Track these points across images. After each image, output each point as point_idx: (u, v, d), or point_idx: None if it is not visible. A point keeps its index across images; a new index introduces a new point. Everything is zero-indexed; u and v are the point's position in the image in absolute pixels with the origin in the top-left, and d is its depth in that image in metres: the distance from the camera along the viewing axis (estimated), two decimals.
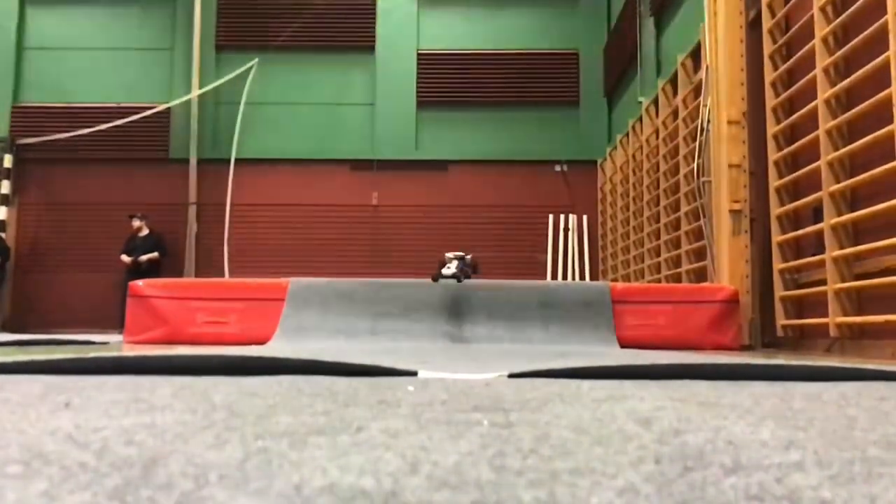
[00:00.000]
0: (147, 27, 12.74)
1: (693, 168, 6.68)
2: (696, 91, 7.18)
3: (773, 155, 5.55)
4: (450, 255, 6.19)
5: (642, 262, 9.21)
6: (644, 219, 9.12)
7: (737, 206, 5.99)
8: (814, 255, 4.98)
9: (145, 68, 12.59)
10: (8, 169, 12.14)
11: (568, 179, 12.30)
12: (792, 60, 5.39)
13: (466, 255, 6.27)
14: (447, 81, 12.47)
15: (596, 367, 2.25)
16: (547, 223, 12.09)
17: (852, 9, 4.54)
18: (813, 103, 4.92)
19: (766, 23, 5.70)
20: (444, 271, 5.97)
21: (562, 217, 12.13)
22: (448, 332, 5.47)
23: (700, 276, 7.04)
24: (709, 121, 6.37)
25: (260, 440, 0.90)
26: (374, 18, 12.65)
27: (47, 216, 12.36)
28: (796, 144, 5.27)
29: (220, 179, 12.08)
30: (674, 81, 8.09)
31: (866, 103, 4.34)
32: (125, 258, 11.26)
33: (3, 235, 11.86)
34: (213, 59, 12.58)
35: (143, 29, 12.74)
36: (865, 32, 4.36)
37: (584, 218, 12.10)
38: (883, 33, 4.12)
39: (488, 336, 5.41)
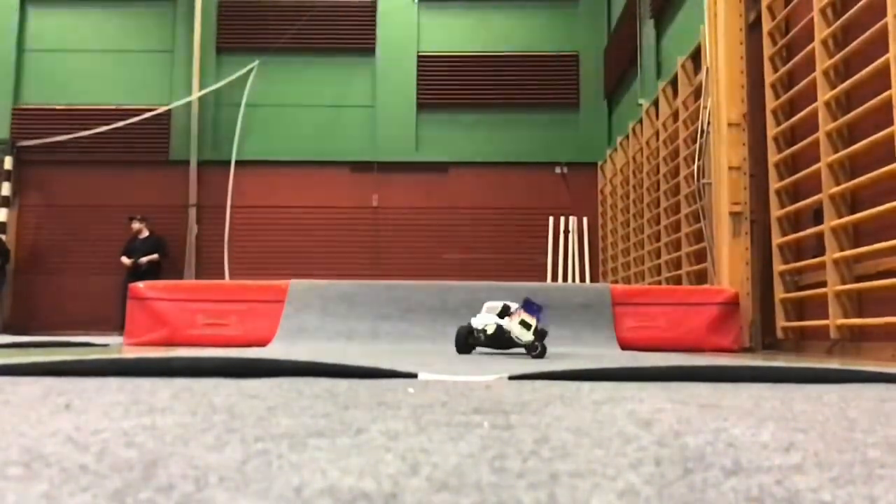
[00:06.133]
0: (147, 29, 12.75)
1: (693, 170, 6.68)
2: (697, 93, 7.18)
3: (773, 157, 5.55)
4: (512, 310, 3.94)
5: (642, 264, 9.20)
6: (644, 221, 9.12)
7: (737, 208, 5.99)
8: (814, 257, 4.98)
9: (146, 70, 12.60)
10: (8, 171, 12.15)
11: (568, 181, 12.30)
12: (792, 62, 5.39)
13: (538, 307, 3.86)
14: (447, 83, 12.48)
15: (596, 369, 2.25)
16: (547, 225, 12.09)
17: (852, 11, 4.54)
18: (813, 105, 4.92)
19: (767, 25, 5.70)
20: (481, 324, 3.99)
21: (562, 219, 12.13)
22: (448, 333, 5.46)
23: (700, 278, 7.04)
24: (709, 123, 6.37)
25: (260, 442, 0.90)
26: (375, 21, 12.66)
27: (47, 218, 12.37)
28: (796, 146, 5.27)
29: (220, 181, 12.10)
30: (674, 83, 8.09)
31: (866, 105, 4.34)
32: (125, 260, 11.27)
33: (4, 237, 11.86)
34: (214, 60, 12.59)
35: (143, 31, 12.75)
36: (865, 34, 4.36)
37: (584, 220, 12.10)
38: (883, 35, 4.12)
39: None
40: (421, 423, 1.09)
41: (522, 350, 3.98)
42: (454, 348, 4.29)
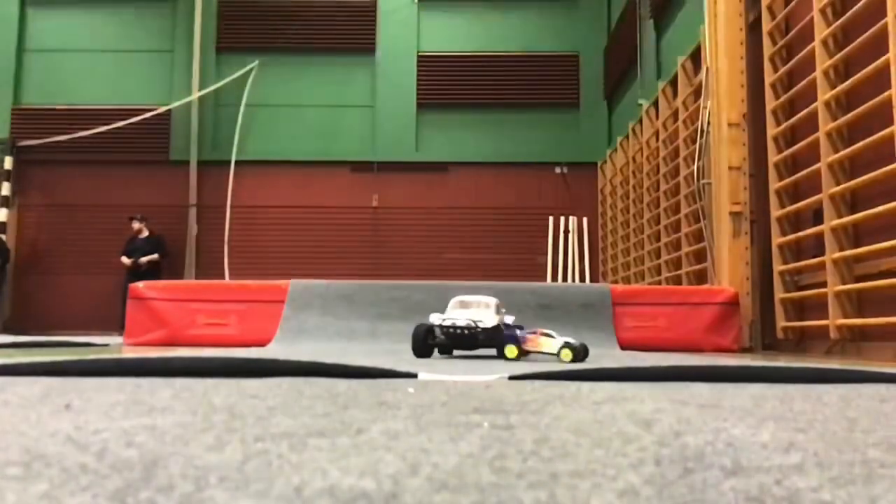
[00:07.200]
0: (147, 29, 12.75)
1: (693, 170, 6.68)
2: (697, 93, 7.18)
3: (773, 157, 5.55)
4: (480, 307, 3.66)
5: (642, 264, 9.21)
6: (644, 221, 9.13)
7: (737, 208, 5.99)
8: (814, 257, 4.98)
9: (146, 70, 12.61)
10: (8, 171, 12.15)
11: (568, 181, 12.30)
12: (792, 62, 5.39)
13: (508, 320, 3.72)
14: (447, 83, 12.48)
15: (596, 369, 2.25)
16: (547, 225, 12.10)
17: (852, 11, 4.54)
18: (813, 105, 4.93)
19: (767, 25, 5.71)
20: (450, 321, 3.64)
21: (562, 219, 12.13)
22: None
23: (700, 277, 7.04)
24: (709, 123, 6.37)
25: (260, 442, 0.90)
26: (375, 21, 12.66)
27: (47, 218, 12.37)
28: (796, 146, 5.28)
29: (220, 181, 12.10)
30: (674, 83, 8.09)
31: (866, 105, 4.35)
32: (125, 260, 11.27)
33: (4, 237, 11.86)
34: (214, 61, 12.59)
35: (143, 31, 12.75)
36: (865, 34, 4.36)
37: (585, 220, 12.11)
38: (883, 35, 4.12)
39: None
40: (421, 423, 1.09)
41: (492, 350, 3.74)
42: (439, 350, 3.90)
